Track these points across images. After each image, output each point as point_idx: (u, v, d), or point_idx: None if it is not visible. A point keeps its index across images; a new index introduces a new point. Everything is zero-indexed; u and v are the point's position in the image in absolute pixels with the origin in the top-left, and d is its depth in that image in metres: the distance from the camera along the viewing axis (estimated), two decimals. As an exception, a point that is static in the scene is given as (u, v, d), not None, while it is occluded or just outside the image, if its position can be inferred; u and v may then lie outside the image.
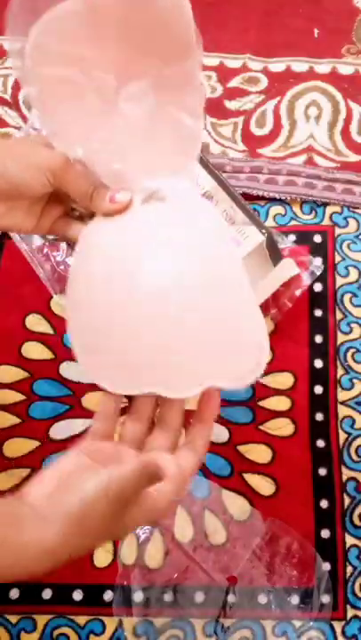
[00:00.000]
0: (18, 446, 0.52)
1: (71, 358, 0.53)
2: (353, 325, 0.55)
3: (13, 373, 0.54)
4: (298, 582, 0.48)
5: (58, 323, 0.55)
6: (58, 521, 0.30)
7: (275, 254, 0.52)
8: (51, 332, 0.55)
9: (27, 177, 0.35)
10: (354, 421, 0.52)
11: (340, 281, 0.56)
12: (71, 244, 0.39)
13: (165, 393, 0.34)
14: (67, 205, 0.39)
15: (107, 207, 0.36)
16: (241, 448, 0.52)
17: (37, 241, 0.55)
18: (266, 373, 0.52)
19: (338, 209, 0.59)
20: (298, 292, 0.54)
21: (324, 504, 0.50)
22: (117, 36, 0.33)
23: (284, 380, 0.54)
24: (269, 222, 0.58)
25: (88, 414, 0.53)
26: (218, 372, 0.35)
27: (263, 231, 0.51)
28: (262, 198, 0.59)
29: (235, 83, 0.64)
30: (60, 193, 0.37)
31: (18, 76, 0.35)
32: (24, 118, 0.62)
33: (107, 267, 0.35)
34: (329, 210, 0.59)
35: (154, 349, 0.34)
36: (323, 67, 0.64)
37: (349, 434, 0.52)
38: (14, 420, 0.53)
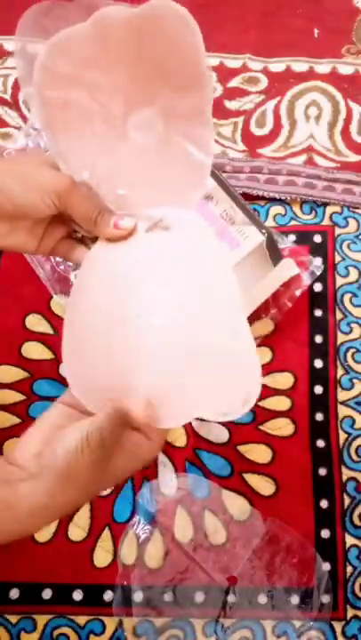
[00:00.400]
0: (18, 446, 0.52)
1: None
2: (353, 325, 0.55)
3: (13, 373, 0.54)
4: (298, 582, 0.49)
5: (58, 323, 0.55)
6: (46, 478, 0.32)
7: (275, 254, 0.53)
8: (51, 332, 0.56)
9: (31, 198, 0.34)
10: (354, 421, 0.52)
11: (340, 281, 0.56)
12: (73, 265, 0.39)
13: (155, 423, 0.35)
14: (69, 227, 0.39)
15: (110, 232, 0.36)
16: (241, 448, 0.52)
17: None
18: (266, 373, 0.54)
19: (338, 209, 0.59)
20: (298, 292, 0.54)
21: (324, 504, 0.51)
22: (127, 62, 0.33)
23: (284, 380, 0.54)
24: (269, 222, 0.59)
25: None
26: (208, 404, 0.35)
27: (263, 231, 0.51)
28: (262, 198, 0.59)
29: (235, 83, 0.64)
30: (63, 215, 0.37)
31: (19, 75, 0.35)
32: (24, 118, 0.62)
33: (109, 297, 0.35)
34: (329, 210, 0.59)
35: (151, 381, 0.34)
36: (323, 67, 0.65)
37: (349, 434, 0.52)
38: (14, 419, 0.53)
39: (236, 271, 0.49)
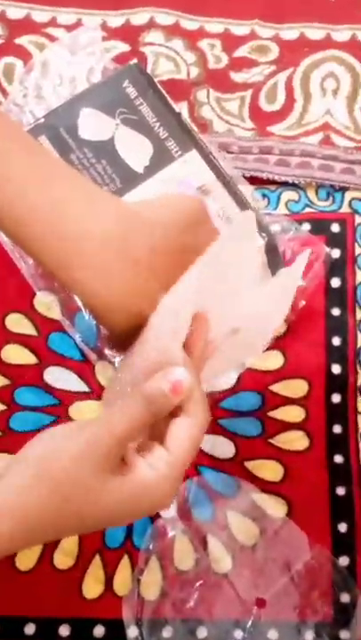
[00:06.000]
0: (-3, 462, 0.52)
1: (57, 363, 0.55)
2: (375, 326, 0.56)
3: (-8, 380, 0.55)
4: (314, 616, 0.49)
5: (42, 323, 0.56)
6: (13, 471, 0.30)
7: (274, 262, 0.53)
8: (34, 333, 0.56)
9: None
10: (376, 434, 0.53)
11: (360, 276, 0.57)
12: None
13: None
14: None
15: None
16: (249, 464, 0.52)
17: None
18: (277, 380, 0.54)
19: (358, 194, 0.59)
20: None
21: (342, 527, 0.51)
22: None
23: (297, 387, 0.54)
24: (281, 209, 0.59)
25: None
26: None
27: (263, 235, 0.51)
28: (273, 182, 0.59)
29: (241, 52, 0.65)
30: None
31: None
32: (4, 92, 0.62)
33: None
34: (348, 195, 0.59)
35: None
36: (341, 34, 0.65)
37: (371, 448, 0.53)
38: (-7, 432, 0.53)
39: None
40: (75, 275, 0.33)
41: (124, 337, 0.36)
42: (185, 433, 0.33)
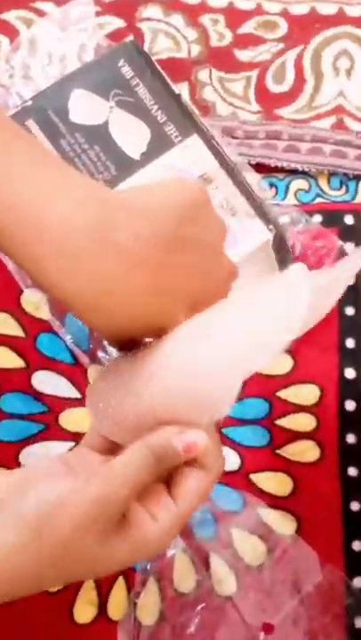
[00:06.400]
0: (-19, 475, 0.51)
1: (46, 367, 0.54)
2: (393, 327, 0.55)
3: (-25, 386, 0.55)
4: None
5: (29, 323, 0.55)
6: (3, 522, 0.29)
7: (283, 257, 0.53)
8: (21, 334, 0.55)
9: None
10: (393, 444, 0.53)
11: (376, 272, 0.56)
12: None
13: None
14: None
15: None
16: (254, 477, 0.52)
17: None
18: (285, 385, 0.53)
19: (374, 183, 0.60)
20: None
21: (356, 546, 0.50)
22: None
23: (307, 393, 0.53)
24: (290, 199, 0.58)
25: (66, 436, 0.53)
26: None
27: (271, 227, 0.51)
28: (281, 170, 0.59)
29: (247, 28, 0.64)
30: None
31: None
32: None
33: None
34: None
35: None
36: (355, 8, 0.64)
37: (388, 460, 0.52)
38: (-23, 442, 0.53)
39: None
40: (49, 270, 0.31)
41: (118, 340, 0.35)
42: (195, 485, 0.33)
